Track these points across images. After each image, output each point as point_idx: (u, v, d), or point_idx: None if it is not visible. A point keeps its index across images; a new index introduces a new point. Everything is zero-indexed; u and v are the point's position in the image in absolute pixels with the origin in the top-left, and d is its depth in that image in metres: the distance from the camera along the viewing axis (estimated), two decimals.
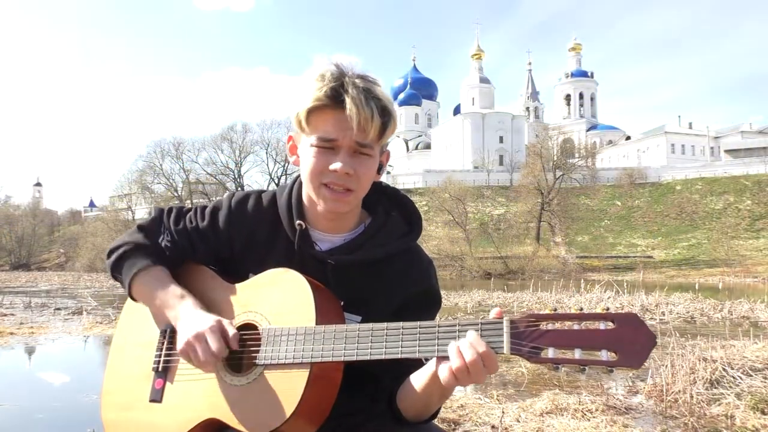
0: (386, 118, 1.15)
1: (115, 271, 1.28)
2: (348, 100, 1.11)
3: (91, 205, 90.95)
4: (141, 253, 1.26)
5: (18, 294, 16.80)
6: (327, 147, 1.15)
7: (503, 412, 3.23)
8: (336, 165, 1.14)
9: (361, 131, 1.13)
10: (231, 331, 1.13)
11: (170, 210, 1.34)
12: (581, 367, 0.93)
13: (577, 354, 0.93)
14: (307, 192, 1.23)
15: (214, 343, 1.09)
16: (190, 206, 1.37)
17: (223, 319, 1.15)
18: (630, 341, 0.91)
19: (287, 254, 1.24)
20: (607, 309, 0.94)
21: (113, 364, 1.31)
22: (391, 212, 1.30)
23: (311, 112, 1.15)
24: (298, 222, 1.24)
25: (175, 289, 1.21)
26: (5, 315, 9.75)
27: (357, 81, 1.14)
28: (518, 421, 3.16)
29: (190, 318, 1.15)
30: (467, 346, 0.98)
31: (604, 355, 0.92)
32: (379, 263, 1.24)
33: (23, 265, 72.48)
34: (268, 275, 1.19)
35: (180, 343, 1.13)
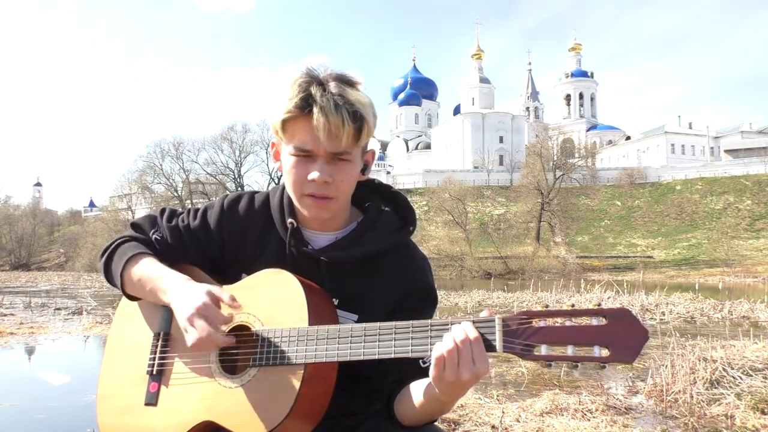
0: (359, 122, 1.12)
1: (107, 267, 1.27)
2: (315, 110, 1.09)
3: (91, 205, 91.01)
4: (132, 243, 1.26)
5: (18, 294, 16.80)
6: (304, 156, 1.14)
7: (503, 412, 3.23)
8: (313, 175, 1.13)
9: (333, 139, 1.11)
10: (224, 295, 1.11)
11: (163, 210, 1.35)
12: (574, 363, 0.93)
13: (570, 350, 0.93)
14: (293, 199, 1.23)
15: (212, 319, 1.08)
16: (185, 208, 1.37)
17: (213, 286, 1.13)
18: (622, 336, 0.91)
19: (280, 254, 1.24)
20: (599, 305, 0.94)
21: (107, 367, 1.30)
22: (384, 208, 1.30)
23: (285, 123, 1.14)
24: (289, 221, 1.23)
25: (164, 271, 1.19)
26: (5, 315, 9.74)
27: (330, 85, 1.12)
28: (518, 421, 3.15)
29: (183, 294, 1.13)
30: (459, 329, 0.97)
31: (597, 350, 0.92)
32: (374, 260, 1.24)
33: (23, 265, 72.50)
34: (260, 276, 1.19)
35: (181, 323, 1.11)
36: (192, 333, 1.08)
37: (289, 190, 1.20)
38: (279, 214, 1.26)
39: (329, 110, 1.09)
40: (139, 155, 75.27)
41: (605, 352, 0.91)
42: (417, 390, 1.12)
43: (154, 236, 1.28)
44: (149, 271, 1.20)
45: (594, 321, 0.93)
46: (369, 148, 1.23)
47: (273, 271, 1.18)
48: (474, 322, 0.99)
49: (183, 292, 1.13)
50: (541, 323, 0.95)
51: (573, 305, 0.95)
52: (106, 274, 1.29)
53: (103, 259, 1.28)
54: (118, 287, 1.26)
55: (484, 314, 1.00)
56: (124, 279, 1.23)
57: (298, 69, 1.15)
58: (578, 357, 0.92)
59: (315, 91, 1.10)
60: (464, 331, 0.97)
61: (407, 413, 1.15)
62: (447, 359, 0.96)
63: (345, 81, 1.14)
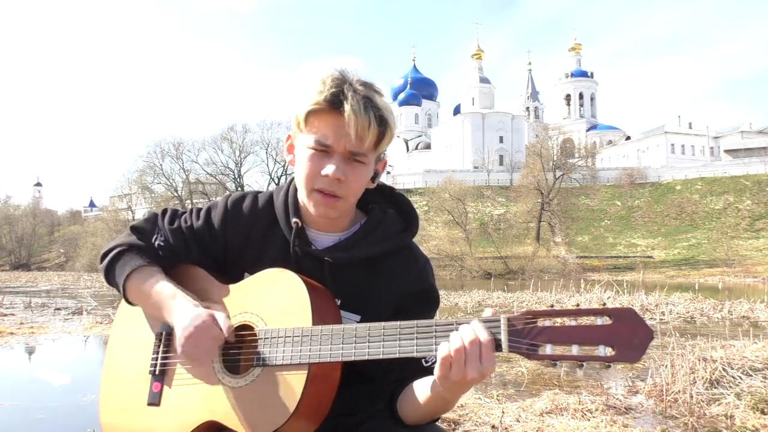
0: (383, 127, 1.15)
1: (109, 274, 1.26)
2: (347, 107, 1.11)
3: (91, 205, 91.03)
4: (134, 253, 1.25)
5: (18, 294, 16.79)
6: (322, 150, 1.15)
7: (503, 412, 3.23)
8: (328, 169, 1.14)
9: (358, 139, 1.13)
10: (225, 323, 1.13)
11: (165, 211, 1.34)
12: (579, 363, 0.93)
13: (575, 350, 0.93)
14: (300, 194, 1.23)
15: (208, 340, 1.11)
16: (185, 208, 1.37)
17: (217, 312, 1.15)
18: (627, 336, 0.91)
19: (283, 253, 1.24)
20: (604, 304, 0.94)
21: (110, 366, 1.30)
22: (387, 210, 1.31)
23: (309, 114, 1.15)
24: (294, 220, 1.24)
25: (168, 287, 1.20)
26: (5, 315, 9.73)
27: (358, 88, 1.14)
28: (518, 421, 3.15)
29: (184, 316, 1.14)
30: (468, 329, 0.97)
31: (602, 350, 0.92)
32: (376, 261, 1.24)
33: (23, 265, 72.48)
34: (263, 275, 1.19)
35: (179, 345, 1.12)
36: (189, 361, 1.15)
37: (300, 183, 1.20)
38: (283, 213, 1.27)
39: (359, 110, 1.11)
40: (139, 155, 75.55)
41: (610, 352, 0.91)
42: (420, 388, 1.12)
43: (156, 243, 1.28)
44: (152, 286, 1.21)
45: (599, 320, 0.93)
46: (383, 157, 1.24)
47: (276, 270, 1.18)
48: (479, 321, 0.99)
49: (184, 315, 1.14)
50: (546, 323, 0.95)
51: (578, 305, 0.95)
52: (107, 280, 1.29)
53: (104, 265, 1.28)
54: (120, 295, 1.27)
55: (487, 313, 1.00)
56: (126, 291, 1.24)
57: (329, 67, 1.17)
58: (583, 356, 0.92)
59: (347, 89, 1.13)
60: (474, 331, 0.97)
61: (410, 411, 1.15)
62: (454, 359, 0.96)
63: (371, 87, 1.16)
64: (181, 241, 1.28)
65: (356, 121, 1.11)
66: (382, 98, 1.17)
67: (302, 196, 1.22)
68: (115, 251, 1.26)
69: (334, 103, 1.12)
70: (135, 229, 1.30)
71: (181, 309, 1.16)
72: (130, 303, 1.27)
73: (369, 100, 1.13)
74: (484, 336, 0.96)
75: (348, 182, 1.16)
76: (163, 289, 1.20)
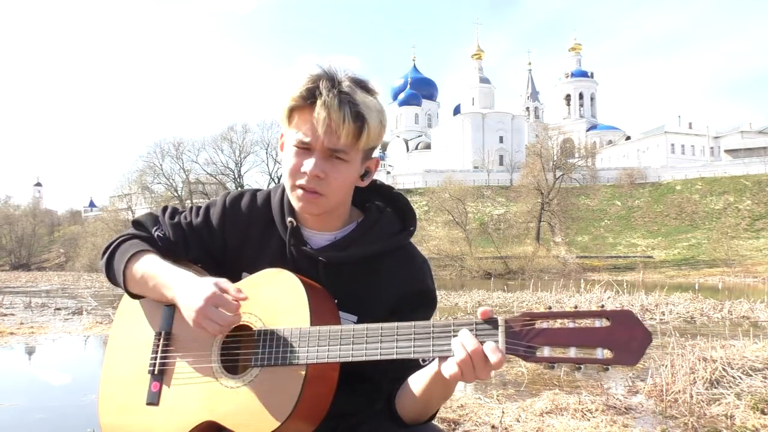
0: (360, 122, 1.11)
1: (110, 264, 1.26)
2: (318, 102, 1.10)
3: (91, 205, 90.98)
4: (134, 241, 1.26)
5: (18, 294, 16.79)
6: (303, 148, 1.15)
7: (503, 412, 3.23)
8: (306, 167, 1.14)
9: (333, 134, 1.11)
10: (232, 287, 1.11)
11: (165, 208, 1.35)
12: (577, 365, 0.92)
13: (572, 352, 0.92)
14: (287, 190, 1.22)
15: (224, 310, 1.08)
16: (185, 208, 1.37)
17: (220, 279, 1.12)
18: (625, 339, 0.90)
19: (280, 253, 1.24)
20: (602, 306, 0.93)
21: (109, 367, 1.30)
22: (384, 209, 1.29)
23: (291, 111, 1.15)
24: (289, 219, 1.23)
25: (168, 267, 1.19)
26: (5, 315, 9.73)
27: (343, 84, 1.12)
28: (518, 421, 3.16)
29: (189, 289, 1.12)
30: (469, 336, 0.97)
31: (600, 353, 0.91)
32: (372, 261, 1.23)
33: (23, 265, 72.46)
34: (261, 276, 1.19)
35: (189, 318, 1.10)
36: (208, 323, 1.07)
37: (285, 180, 1.20)
38: (279, 212, 1.26)
39: (331, 105, 1.09)
40: (139, 155, 75.73)
41: (608, 354, 0.91)
42: (418, 383, 1.12)
43: (156, 234, 1.28)
44: (152, 267, 1.20)
45: (597, 323, 0.92)
46: (374, 156, 1.23)
47: (274, 270, 1.18)
48: (476, 324, 0.99)
49: (190, 286, 1.12)
50: (544, 325, 0.94)
51: (576, 306, 0.95)
52: (107, 273, 1.28)
53: (105, 257, 1.28)
54: (121, 285, 1.25)
55: (479, 312, 1.00)
56: (127, 276, 1.23)
57: (313, 63, 1.15)
58: (581, 359, 0.92)
59: (323, 85, 1.11)
60: (475, 340, 0.97)
61: (410, 407, 1.15)
62: (464, 371, 0.96)
63: (360, 84, 1.14)
64: (181, 237, 1.28)
65: (327, 117, 1.10)
66: (370, 95, 1.15)
67: (287, 192, 1.21)
68: (116, 242, 1.28)
69: (308, 98, 1.11)
70: (136, 222, 1.32)
71: (185, 284, 1.13)
72: (131, 294, 1.27)
73: (347, 95, 1.11)
74: (487, 345, 0.96)
75: (328, 179, 1.15)
76: (163, 269, 1.19)
